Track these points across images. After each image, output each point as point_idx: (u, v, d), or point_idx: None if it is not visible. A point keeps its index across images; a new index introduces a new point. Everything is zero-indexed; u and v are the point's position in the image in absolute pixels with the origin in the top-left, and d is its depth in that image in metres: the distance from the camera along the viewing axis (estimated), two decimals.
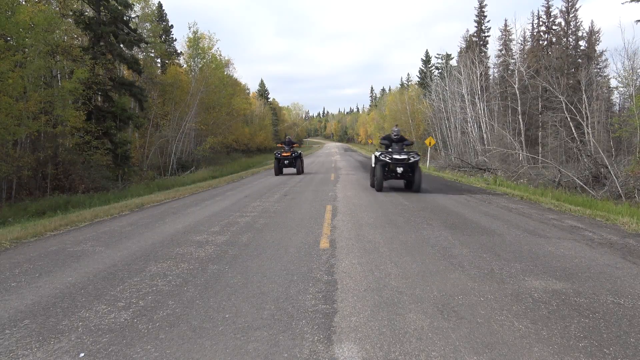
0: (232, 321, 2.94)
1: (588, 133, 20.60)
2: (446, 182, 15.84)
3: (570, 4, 33.46)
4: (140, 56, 28.83)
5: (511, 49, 37.06)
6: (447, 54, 48.08)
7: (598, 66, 30.93)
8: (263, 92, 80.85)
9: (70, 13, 20.67)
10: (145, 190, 15.84)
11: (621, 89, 25.38)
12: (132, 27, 24.10)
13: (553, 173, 17.09)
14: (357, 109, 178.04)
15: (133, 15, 26.45)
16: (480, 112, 28.63)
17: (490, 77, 35.62)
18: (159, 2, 35.13)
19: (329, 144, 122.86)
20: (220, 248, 5.14)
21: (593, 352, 2.52)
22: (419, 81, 58.95)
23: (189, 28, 50.18)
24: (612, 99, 31.94)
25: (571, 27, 33.91)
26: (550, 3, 35.57)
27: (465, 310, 3.15)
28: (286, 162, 19.33)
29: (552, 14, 35.74)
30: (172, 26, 36.82)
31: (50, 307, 3.24)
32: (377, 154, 11.64)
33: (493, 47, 70.11)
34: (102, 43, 20.90)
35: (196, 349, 2.53)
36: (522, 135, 26.94)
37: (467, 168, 22.73)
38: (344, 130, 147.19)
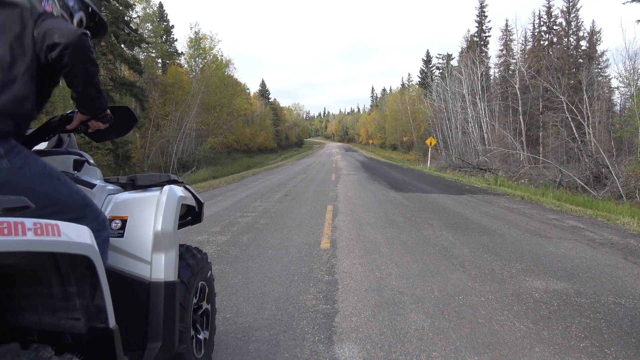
0: (233, 321, 2.94)
1: (589, 133, 20.57)
2: (447, 182, 15.83)
3: (571, 3, 33.39)
4: (141, 56, 28.86)
5: (512, 49, 37.01)
6: (448, 54, 48.07)
7: (599, 66, 30.86)
8: (264, 92, 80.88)
9: None
10: None
11: (622, 89, 25.32)
12: (133, 28, 24.13)
13: (554, 173, 17.09)
14: (358, 109, 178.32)
15: (134, 16, 26.49)
16: (481, 112, 28.61)
17: (491, 77, 35.57)
18: (160, 2, 35.17)
19: (330, 144, 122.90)
20: (221, 248, 5.14)
21: (594, 353, 2.52)
22: (419, 81, 58.95)
23: (191, 28, 50.26)
24: (613, 99, 31.88)
25: (572, 27, 33.85)
26: (551, 3, 35.46)
27: (466, 311, 3.15)
28: None
29: (553, 13, 35.67)
30: (173, 26, 36.83)
31: None
32: None
33: (494, 47, 70.07)
34: (103, 43, 20.93)
35: None
36: (523, 136, 26.91)
37: (467, 168, 22.72)
38: (344, 130, 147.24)
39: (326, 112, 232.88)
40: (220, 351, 2.49)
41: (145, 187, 1.93)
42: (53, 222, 1.09)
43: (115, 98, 21.92)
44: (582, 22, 35.20)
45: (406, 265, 4.37)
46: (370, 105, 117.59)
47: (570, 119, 22.42)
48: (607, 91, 29.65)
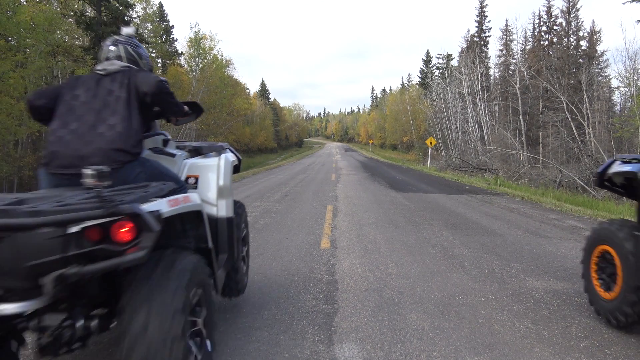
0: (233, 321, 2.93)
1: (589, 133, 20.58)
2: (447, 182, 15.84)
3: (571, 3, 33.39)
4: None
5: (512, 49, 37.01)
6: (448, 54, 48.08)
7: (599, 66, 30.85)
8: (264, 92, 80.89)
9: (71, 13, 20.70)
10: None
11: (622, 89, 25.31)
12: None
13: (554, 173, 17.09)
14: (358, 109, 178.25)
15: (134, 16, 26.50)
16: (481, 112, 28.62)
17: (491, 77, 35.58)
18: (160, 2, 35.16)
19: (330, 144, 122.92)
20: None
21: (594, 353, 2.52)
22: (419, 81, 58.96)
23: (191, 28, 50.21)
24: (613, 99, 31.86)
25: (572, 27, 33.85)
26: (551, 3, 35.46)
27: (466, 311, 3.15)
28: None
29: (553, 13, 35.67)
30: (173, 26, 36.86)
31: None
32: None
33: (494, 47, 70.00)
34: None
35: None
36: (523, 136, 26.91)
37: (467, 168, 22.73)
38: (344, 130, 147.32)
39: (326, 112, 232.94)
40: (220, 351, 2.49)
41: (205, 154, 2.78)
42: (187, 194, 2.07)
43: None
44: (582, 22, 35.23)
45: (406, 265, 4.36)
46: (370, 105, 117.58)
47: (570, 119, 22.42)
48: (607, 91, 29.63)
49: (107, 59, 2.31)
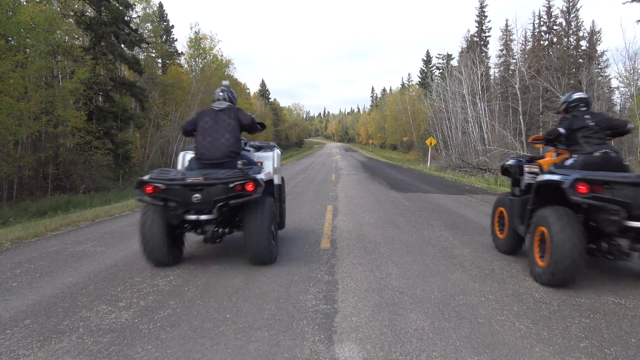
0: (233, 321, 2.93)
1: None
2: (447, 182, 15.84)
3: (571, 3, 33.36)
4: (141, 56, 28.84)
5: (512, 49, 36.95)
6: (448, 54, 48.06)
7: (599, 66, 30.81)
8: (264, 92, 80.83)
9: (71, 13, 20.70)
10: None
11: (622, 89, 25.24)
12: (133, 28, 24.13)
13: None
14: (358, 109, 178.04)
15: (134, 16, 26.49)
16: (481, 112, 28.60)
17: (491, 77, 35.50)
18: (160, 2, 35.11)
19: (330, 144, 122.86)
20: (222, 247, 5.14)
21: (594, 353, 2.52)
22: (419, 81, 58.94)
23: (191, 28, 50.17)
24: (613, 99, 31.81)
25: (572, 27, 33.82)
26: (551, 3, 35.39)
27: (466, 311, 3.15)
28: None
29: (553, 14, 35.61)
30: (172, 26, 36.76)
31: (51, 307, 3.24)
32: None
33: (494, 47, 70.12)
34: (103, 43, 20.93)
35: (197, 349, 2.53)
36: (523, 136, 26.86)
37: (467, 168, 22.72)
38: (344, 130, 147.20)
39: (326, 112, 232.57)
40: (220, 351, 2.49)
41: (265, 149, 5.07)
42: (269, 170, 4.74)
43: (115, 98, 21.94)
44: (582, 22, 35.18)
45: (406, 265, 4.36)
46: (370, 105, 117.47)
47: None
48: (607, 91, 29.59)
49: (218, 99, 4.52)
